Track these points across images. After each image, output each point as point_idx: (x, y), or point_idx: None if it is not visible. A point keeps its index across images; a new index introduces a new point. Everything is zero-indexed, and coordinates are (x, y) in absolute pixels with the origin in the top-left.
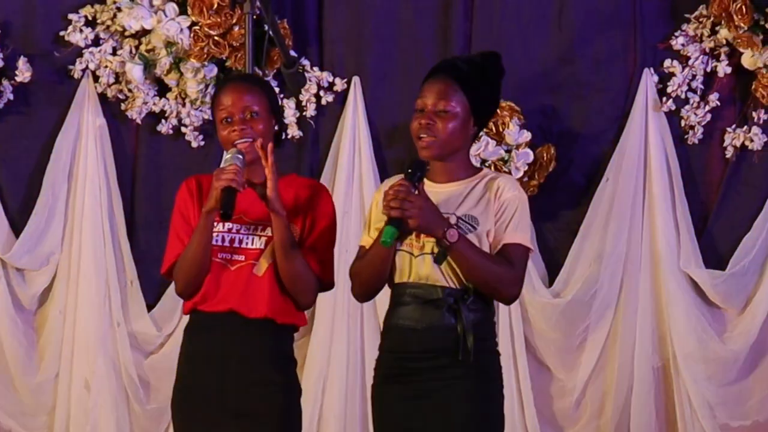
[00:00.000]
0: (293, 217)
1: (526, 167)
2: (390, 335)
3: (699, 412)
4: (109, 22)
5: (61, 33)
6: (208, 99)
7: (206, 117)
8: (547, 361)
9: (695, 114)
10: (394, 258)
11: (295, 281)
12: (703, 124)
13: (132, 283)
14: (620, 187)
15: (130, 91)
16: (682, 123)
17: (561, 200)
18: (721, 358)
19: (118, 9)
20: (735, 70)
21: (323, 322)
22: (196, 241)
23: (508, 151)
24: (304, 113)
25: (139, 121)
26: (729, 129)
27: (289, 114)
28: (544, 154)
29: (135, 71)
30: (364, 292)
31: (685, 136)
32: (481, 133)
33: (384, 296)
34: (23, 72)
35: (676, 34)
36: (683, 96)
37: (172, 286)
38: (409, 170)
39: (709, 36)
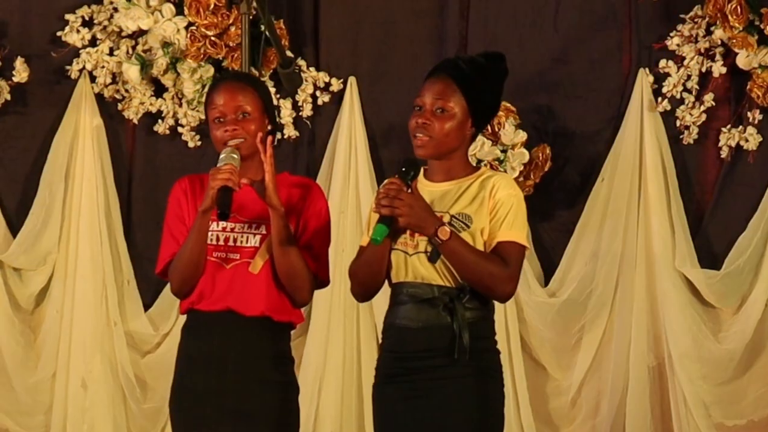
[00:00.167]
0: (287, 216)
1: (522, 167)
2: (389, 335)
3: (694, 411)
4: (106, 23)
5: (58, 33)
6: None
7: (203, 117)
8: (542, 360)
9: (690, 114)
10: (390, 257)
11: (292, 277)
12: (698, 124)
13: (129, 282)
14: (616, 187)
15: (126, 91)
16: (678, 123)
17: (556, 200)
18: (716, 357)
19: (115, 9)
20: (730, 71)
21: (320, 321)
22: (192, 241)
23: (504, 151)
24: (300, 113)
25: (135, 121)
26: (724, 129)
27: (286, 114)
28: (540, 154)
29: (132, 71)
30: (362, 291)
31: (681, 136)
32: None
33: (380, 295)
34: (20, 72)
35: (672, 34)
36: (678, 96)
37: (169, 285)
38: (403, 169)
39: (704, 36)
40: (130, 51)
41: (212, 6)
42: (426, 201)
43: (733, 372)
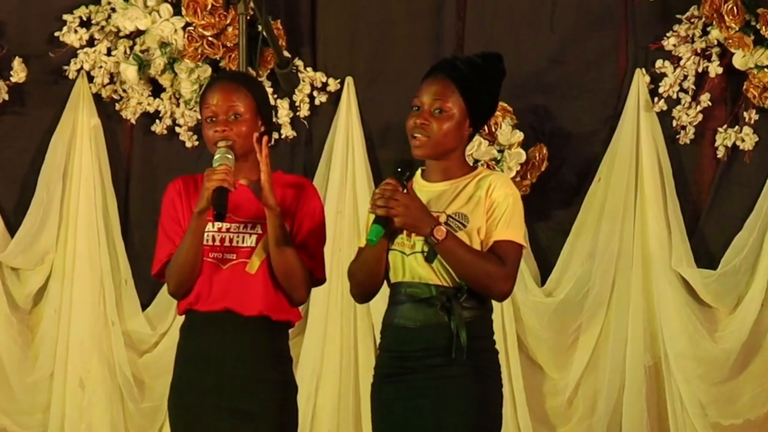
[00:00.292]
0: (282, 215)
1: (519, 167)
2: (387, 334)
3: (690, 411)
4: (103, 23)
5: (56, 33)
6: None
7: (200, 117)
8: (539, 359)
9: (687, 114)
10: (388, 258)
11: (289, 276)
12: (694, 124)
13: (126, 282)
14: (612, 187)
15: (124, 91)
16: (674, 123)
17: (553, 200)
18: (713, 356)
19: (113, 10)
20: (726, 71)
21: (317, 321)
22: (189, 242)
23: (501, 151)
24: (297, 113)
25: (133, 121)
26: (720, 129)
27: (283, 114)
28: (537, 154)
29: (129, 71)
30: (361, 292)
31: (677, 136)
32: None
33: (377, 295)
34: (18, 72)
35: (668, 34)
36: (675, 96)
37: (166, 285)
38: (398, 169)
39: (700, 36)
40: (128, 51)
41: (209, 6)
42: (422, 201)
43: (730, 371)
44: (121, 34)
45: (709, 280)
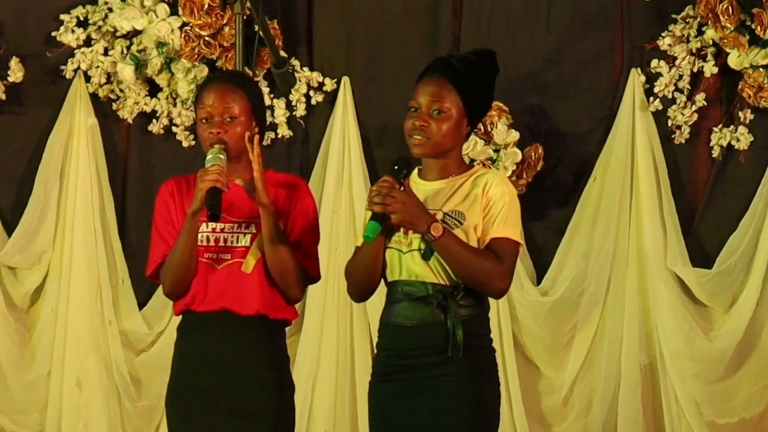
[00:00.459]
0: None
1: (515, 167)
2: (384, 333)
3: (686, 410)
4: (100, 23)
5: (53, 33)
6: None
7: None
8: (535, 358)
9: (682, 114)
10: (385, 256)
11: (284, 274)
12: (689, 123)
13: (123, 281)
14: (607, 187)
15: (121, 90)
16: (669, 123)
17: (549, 199)
18: (708, 355)
19: (110, 10)
20: (721, 70)
21: (313, 319)
22: (183, 243)
23: (497, 151)
24: (294, 113)
25: (130, 120)
26: (715, 129)
27: (279, 114)
28: (532, 154)
29: (126, 71)
30: (358, 291)
31: (672, 136)
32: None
33: (374, 294)
34: (15, 72)
35: (663, 34)
36: (670, 96)
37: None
38: (395, 167)
39: (695, 36)
40: (125, 51)
41: (206, 6)
42: (419, 198)
43: (725, 370)
44: (118, 33)
45: (705, 279)
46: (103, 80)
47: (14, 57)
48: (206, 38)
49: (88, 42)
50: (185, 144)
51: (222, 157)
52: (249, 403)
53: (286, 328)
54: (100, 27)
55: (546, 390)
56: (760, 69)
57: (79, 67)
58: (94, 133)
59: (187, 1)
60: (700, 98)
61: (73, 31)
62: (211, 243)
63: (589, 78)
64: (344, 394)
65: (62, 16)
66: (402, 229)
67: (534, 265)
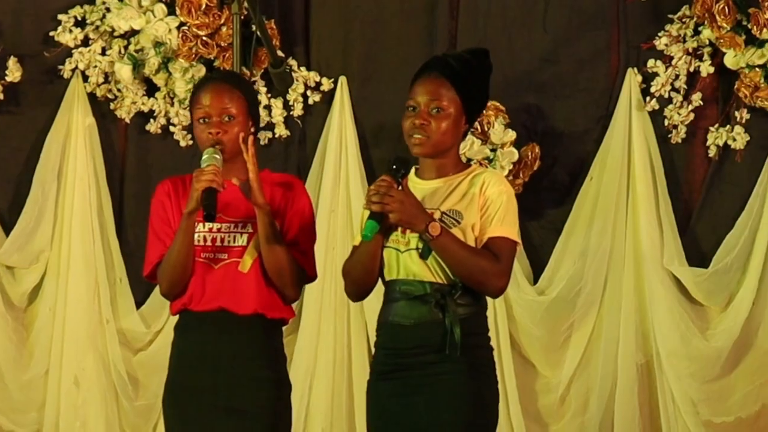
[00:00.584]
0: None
1: (511, 166)
2: (382, 332)
3: (682, 409)
4: (98, 23)
5: (51, 33)
6: None
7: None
8: (531, 357)
9: (678, 113)
10: (382, 255)
11: (281, 274)
12: (686, 123)
13: (121, 280)
14: (604, 186)
15: (119, 90)
16: (666, 122)
17: (545, 199)
18: (704, 355)
19: (108, 9)
20: (718, 70)
21: (310, 319)
22: (179, 243)
23: (494, 150)
24: (291, 113)
25: (128, 120)
26: (712, 128)
27: (277, 113)
28: (529, 153)
29: (124, 71)
30: (356, 290)
31: (669, 136)
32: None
33: (371, 294)
34: (13, 72)
35: (660, 34)
36: (666, 95)
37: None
38: (393, 166)
39: (692, 36)
40: (122, 51)
41: (204, 6)
42: (416, 197)
43: (721, 369)
44: (115, 33)
45: (701, 278)
46: (101, 80)
47: (12, 57)
48: (204, 38)
49: (85, 42)
50: (183, 143)
51: (218, 157)
52: (246, 403)
53: (283, 328)
54: (97, 27)
55: (543, 389)
56: (757, 69)
57: (76, 67)
58: (92, 132)
59: (185, 1)
60: (696, 98)
61: (70, 31)
62: (208, 243)
63: (586, 77)
64: (341, 393)
65: (60, 16)
66: (400, 229)
67: (531, 265)
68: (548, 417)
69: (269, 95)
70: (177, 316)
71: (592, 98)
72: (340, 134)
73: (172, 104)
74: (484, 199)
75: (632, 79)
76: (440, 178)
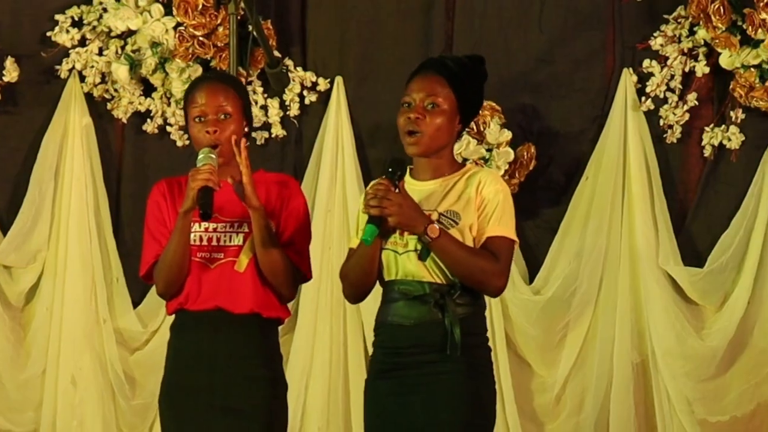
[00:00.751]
0: (267, 214)
1: (507, 166)
2: (382, 332)
3: (677, 408)
4: (95, 23)
5: (48, 33)
6: None
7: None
8: (527, 357)
9: (674, 113)
10: (380, 257)
11: (276, 274)
12: (681, 123)
13: (117, 280)
14: (600, 186)
15: (116, 90)
16: (661, 122)
17: (541, 198)
18: (700, 354)
19: (105, 10)
20: (713, 70)
21: (306, 318)
22: (175, 242)
23: (489, 150)
24: (287, 113)
25: (124, 120)
26: (707, 128)
27: (273, 113)
28: (525, 153)
29: (121, 71)
30: (353, 293)
31: (664, 135)
32: (462, 132)
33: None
34: (10, 72)
35: (655, 34)
36: (662, 95)
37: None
38: (390, 169)
39: (687, 36)
40: (119, 51)
41: (200, 6)
42: (414, 200)
43: (716, 369)
44: (112, 34)
45: (696, 278)
46: (98, 80)
47: (9, 57)
48: (200, 38)
49: (82, 42)
50: (179, 143)
51: (213, 156)
52: (242, 402)
53: (279, 327)
54: (94, 27)
55: (538, 388)
56: (752, 69)
57: (73, 67)
58: (89, 132)
59: (182, 1)
60: (691, 98)
61: (67, 31)
62: (204, 242)
63: (582, 78)
64: (337, 393)
65: (57, 16)
66: (398, 231)
67: (526, 264)
68: (544, 416)
69: (266, 95)
70: (173, 316)
71: (587, 98)
72: (337, 134)
73: (169, 104)
74: (480, 199)
75: (628, 79)
76: (436, 178)
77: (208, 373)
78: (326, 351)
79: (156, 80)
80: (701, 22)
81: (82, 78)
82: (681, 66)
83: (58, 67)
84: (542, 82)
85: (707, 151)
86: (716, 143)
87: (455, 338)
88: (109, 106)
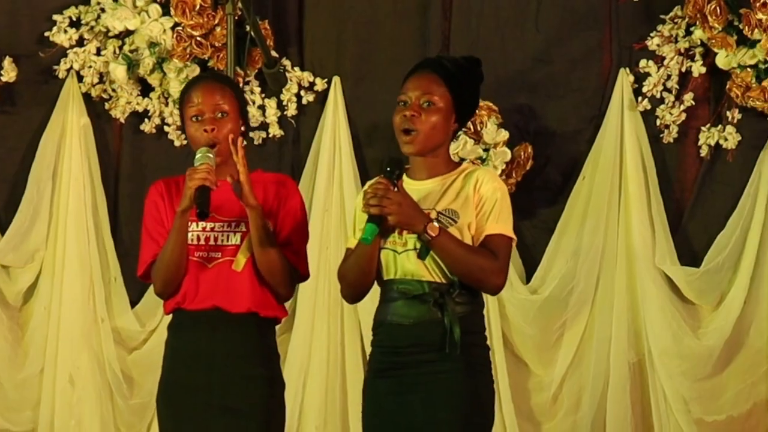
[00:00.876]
0: (264, 213)
1: (504, 166)
2: (381, 331)
3: (674, 407)
4: (93, 23)
5: (46, 33)
6: None
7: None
8: (524, 356)
9: (670, 113)
10: (379, 256)
11: (274, 273)
12: (678, 123)
13: (115, 279)
14: (596, 186)
15: (113, 90)
16: (658, 122)
17: (538, 198)
18: (696, 353)
19: (102, 10)
20: (709, 70)
21: (304, 317)
22: (173, 242)
23: (486, 150)
24: (285, 113)
25: (122, 120)
26: (703, 128)
27: (271, 113)
28: (522, 153)
29: (119, 71)
30: (352, 293)
31: (661, 135)
32: (459, 132)
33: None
34: (8, 72)
35: (652, 34)
36: (658, 95)
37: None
38: (388, 168)
39: (684, 36)
40: (117, 51)
41: (198, 7)
42: (413, 199)
43: (713, 368)
44: (110, 34)
45: (693, 277)
46: (96, 80)
47: (7, 57)
48: (198, 38)
49: (80, 42)
50: (177, 143)
51: (211, 156)
52: (240, 401)
53: (277, 326)
54: (92, 27)
55: (535, 388)
56: (748, 69)
57: (71, 67)
58: (87, 132)
59: (179, 1)
60: (688, 98)
61: (65, 31)
62: (202, 242)
63: (578, 77)
64: (335, 392)
65: (55, 17)
66: (397, 230)
67: (523, 264)
68: (541, 415)
69: (263, 95)
70: (171, 315)
71: (584, 98)
72: (334, 134)
73: (167, 104)
74: (478, 197)
75: (624, 79)
76: (432, 178)
77: (205, 372)
78: (323, 350)
79: (154, 80)
80: (698, 22)
81: (80, 78)
82: (678, 66)
83: (55, 67)
84: (539, 82)
85: (704, 151)
86: (713, 143)
87: (455, 337)
88: (106, 106)
